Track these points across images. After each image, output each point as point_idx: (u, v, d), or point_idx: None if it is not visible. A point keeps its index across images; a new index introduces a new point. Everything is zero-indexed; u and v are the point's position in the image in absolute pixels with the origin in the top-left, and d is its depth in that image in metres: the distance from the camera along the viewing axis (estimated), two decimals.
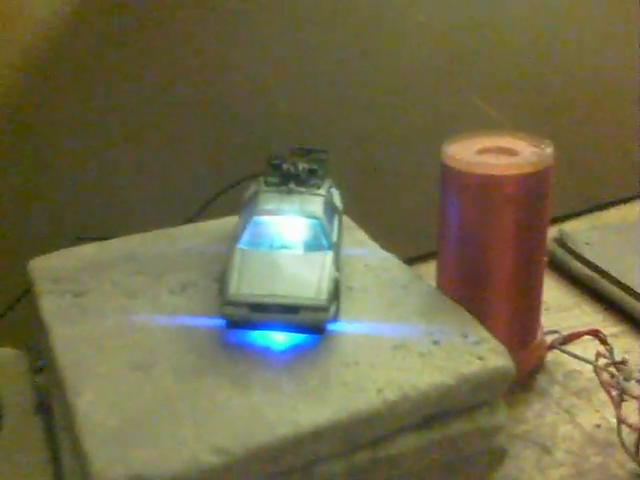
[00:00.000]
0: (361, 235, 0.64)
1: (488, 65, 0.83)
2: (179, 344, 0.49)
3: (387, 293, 0.56)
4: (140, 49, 0.73)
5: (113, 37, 0.72)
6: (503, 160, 0.58)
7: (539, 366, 0.65)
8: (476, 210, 0.59)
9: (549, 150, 0.59)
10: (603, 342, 0.65)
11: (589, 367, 0.64)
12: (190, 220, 0.68)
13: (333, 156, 0.64)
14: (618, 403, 0.56)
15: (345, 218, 0.65)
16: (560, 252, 0.81)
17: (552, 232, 0.85)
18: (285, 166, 0.59)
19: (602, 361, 0.61)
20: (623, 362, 0.62)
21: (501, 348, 0.50)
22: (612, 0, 0.95)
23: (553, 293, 0.77)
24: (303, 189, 0.58)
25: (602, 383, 0.57)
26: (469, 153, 0.59)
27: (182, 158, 0.77)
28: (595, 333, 0.65)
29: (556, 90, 0.92)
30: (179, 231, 0.64)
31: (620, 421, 0.55)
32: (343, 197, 0.64)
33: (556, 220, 0.91)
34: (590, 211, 0.94)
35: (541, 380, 0.64)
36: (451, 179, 0.59)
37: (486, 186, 0.57)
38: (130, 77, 0.73)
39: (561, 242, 0.82)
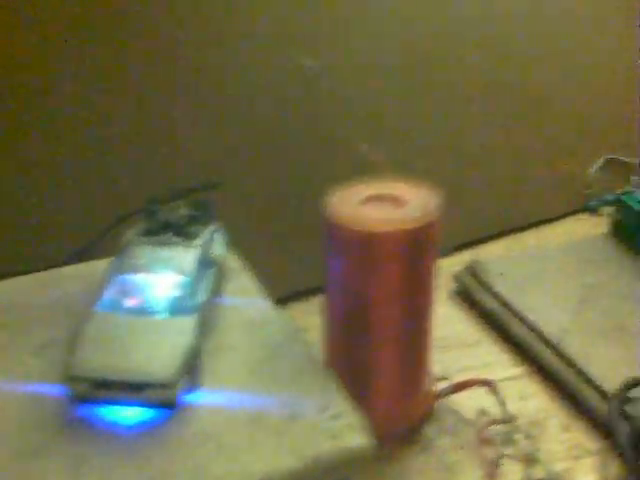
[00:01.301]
0: (247, 281, 0.62)
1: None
2: (23, 417, 0.48)
3: (256, 353, 0.54)
4: None
5: None
6: (386, 214, 0.56)
7: (428, 415, 0.64)
8: (358, 266, 0.57)
9: (435, 202, 0.57)
10: (494, 392, 0.64)
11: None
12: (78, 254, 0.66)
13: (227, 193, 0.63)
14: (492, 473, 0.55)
15: (233, 260, 0.63)
16: (470, 283, 0.79)
17: (467, 258, 0.84)
18: (161, 214, 0.57)
19: (485, 419, 0.60)
20: (506, 420, 0.61)
21: (360, 423, 0.49)
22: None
23: (457, 328, 0.76)
24: (178, 240, 0.56)
25: (480, 450, 0.56)
26: (352, 205, 0.57)
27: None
28: (486, 384, 0.64)
29: (478, 101, 0.89)
30: (57, 274, 0.62)
31: None
32: (230, 239, 0.62)
33: (472, 243, 0.89)
34: (510, 232, 0.93)
35: (429, 431, 0.63)
36: (333, 232, 0.57)
37: (367, 242, 0.55)
38: None
39: (472, 272, 0.80)
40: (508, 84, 0.89)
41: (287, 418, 0.49)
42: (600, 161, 0.98)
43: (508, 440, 0.61)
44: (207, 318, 0.54)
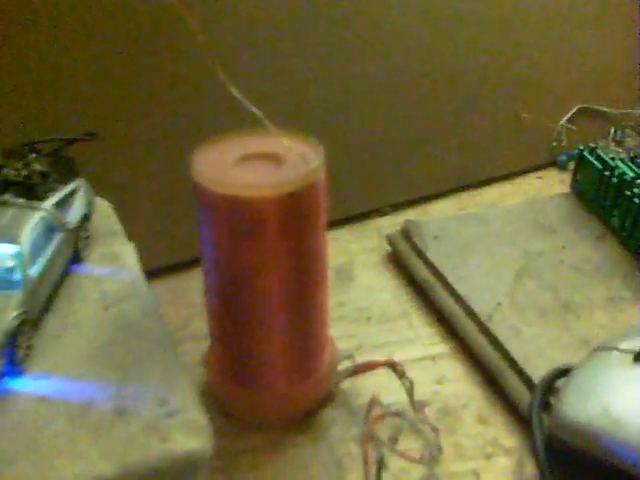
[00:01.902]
0: (119, 248, 0.55)
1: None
2: None
3: (103, 335, 0.47)
4: None
5: None
6: (260, 175, 0.48)
7: (324, 399, 0.57)
8: (227, 234, 0.48)
9: (318, 160, 0.48)
10: (400, 376, 0.57)
11: (388, 398, 0.57)
12: None
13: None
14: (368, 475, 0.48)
15: (106, 223, 0.56)
16: (402, 247, 0.71)
17: (412, 217, 0.76)
18: (5, 170, 0.50)
19: (376, 410, 0.53)
20: (399, 414, 0.54)
21: (199, 423, 0.42)
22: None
23: (382, 297, 0.68)
24: (21, 201, 0.48)
25: (363, 447, 0.49)
26: (221, 164, 0.49)
27: None
28: (392, 365, 0.57)
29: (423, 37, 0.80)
30: None
31: None
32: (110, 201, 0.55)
33: (421, 200, 0.81)
34: (466, 188, 0.84)
35: (325, 417, 0.56)
36: (199, 195, 0.48)
37: (235, 209, 0.47)
38: None
39: (406, 235, 0.72)
40: (471, 28, 0.79)
41: (115, 413, 0.42)
42: (572, 111, 0.88)
43: (409, 432, 0.54)
44: (42, 292, 0.47)
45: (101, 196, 0.58)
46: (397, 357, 0.61)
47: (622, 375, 0.50)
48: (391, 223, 0.77)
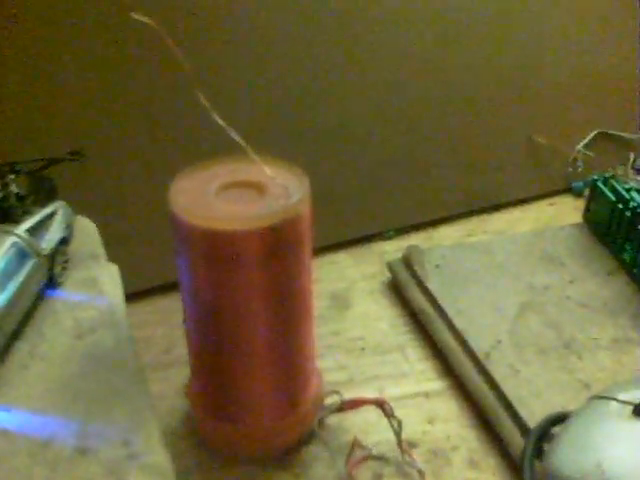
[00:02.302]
0: (99, 270, 0.53)
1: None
2: None
3: (72, 367, 0.45)
4: None
5: None
6: (240, 206, 0.46)
7: (308, 435, 0.54)
8: (205, 267, 0.46)
9: (302, 192, 0.46)
10: (388, 415, 0.54)
11: (375, 437, 0.54)
12: None
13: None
14: None
15: (90, 242, 0.54)
16: (403, 275, 0.69)
17: (417, 242, 0.73)
18: None
19: (359, 453, 0.51)
20: (381, 457, 0.51)
21: (162, 467, 0.40)
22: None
23: (380, 327, 0.65)
24: None
25: None
26: (199, 193, 0.46)
27: None
28: (379, 404, 0.54)
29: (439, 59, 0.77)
30: None
31: None
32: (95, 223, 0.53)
33: (426, 225, 0.78)
34: (475, 214, 0.81)
35: (307, 454, 0.54)
36: (175, 225, 0.46)
37: (212, 242, 0.45)
38: None
39: (407, 262, 0.69)
40: (484, 48, 0.77)
41: (76, 452, 0.40)
42: (589, 136, 0.85)
43: (394, 475, 0.51)
44: (10, 320, 0.45)
45: (86, 216, 0.56)
46: (389, 392, 0.58)
47: (618, 429, 0.47)
48: (394, 248, 0.75)
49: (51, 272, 0.50)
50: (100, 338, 0.47)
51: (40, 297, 0.49)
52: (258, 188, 0.47)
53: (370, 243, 0.76)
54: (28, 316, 0.48)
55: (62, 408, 0.42)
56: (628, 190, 0.70)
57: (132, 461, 0.40)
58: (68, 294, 0.50)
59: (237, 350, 0.49)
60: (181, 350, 0.58)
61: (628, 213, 0.68)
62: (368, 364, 0.62)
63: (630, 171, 0.85)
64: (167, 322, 0.63)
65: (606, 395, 0.51)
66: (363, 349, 0.63)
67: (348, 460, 0.50)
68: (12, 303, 0.45)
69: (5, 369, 0.45)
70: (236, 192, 0.47)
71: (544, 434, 0.52)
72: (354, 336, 0.64)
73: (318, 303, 0.67)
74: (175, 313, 0.58)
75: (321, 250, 0.73)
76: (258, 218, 0.44)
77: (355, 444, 0.51)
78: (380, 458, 0.51)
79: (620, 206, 0.68)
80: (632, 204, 0.68)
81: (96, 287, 0.51)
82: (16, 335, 0.46)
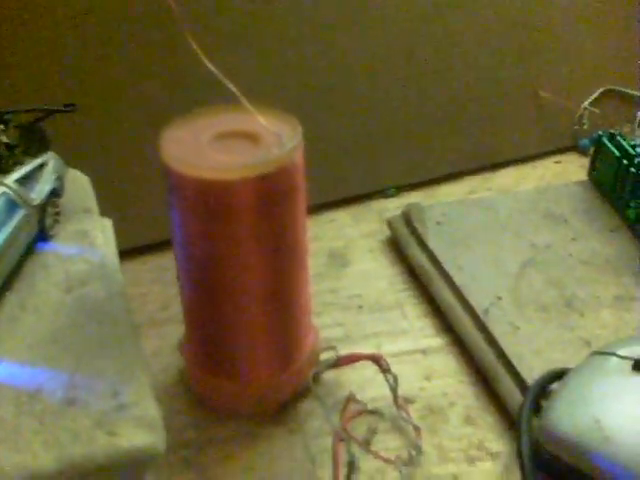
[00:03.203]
0: (91, 224, 0.52)
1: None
2: None
3: (62, 319, 0.44)
4: None
5: None
6: (232, 155, 0.45)
7: (303, 391, 0.54)
8: (197, 218, 0.46)
9: (295, 141, 0.45)
10: (384, 370, 0.54)
11: (371, 392, 0.54)
12: None
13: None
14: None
15: (83, 196, 0.53)
16: (402, 232, 0.68)
17: (419, 200, 0.72)
18: None
19: (353, 408, 0.50)
20: (376, 412, 0.51)
21: (151, 418, 0.39)
22: None
23: (377, 285, 0.64)
24: None
25: (334, 447, 0.46)
26: (191, 144, 0.46)
27: None
28: (375, 359, 0.54)
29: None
30: None
31: None
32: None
33: (429, 182, 0.77)
34: (480, 171, 0.79)
35: (302, 409, 0.53)
36: (167, 176, 0.46)
37: (203, 192, 0.44)
38: None
39: (407, 219, 0.68)
40: (489, 3, 0.74)
41: (64, 403, 0.39)
42: (596, 93, 0.83)
43: (389, 431, 0.51)
44: (0, 271, 0.44)
45: (80, 170, 0.55)
46: (386, 349, 0.58)
47: (617, 384, 0.47)
48: (395, 206, 0.73)
49: (42, 224, 0.49)
50: (91, 291, 0.47)
51: (30, 249, 0.48)
52: (251, 137, 0.46)
53: (370, 201, 0.74)
54: (18, 268, 0.47)
55: (51, 360, 0.42)
56: (634, 147, 0.68)
57: (121, 412, 0.39)
58: (59, 247, 0.50)
59: (230, 303, 0.48)
60: (176, 308, 0.57)
61: (633, 169, 0.66)
62: (365, 321, 0.61)
63: (637, 128, 0.83)
64: (162, 280, 0.63)
65: (606, 351, 0.50)
66: (361, 307, 0.62)
67: (343, 415, 0.50)
68: (1, 254, 0.44)
69: None
70: (229, 141, 0.46)
71: (542, 390, 0.51)
72: (352, 294, 0.64)
73: (315, 261, 0.66)
74: (170, 271, 0.57)
75: (320, 208, 0.72)
76: (250, 167, 0.43)
77: (350, 399, 0.51)
78: (375, 413, 0.51)
79: (625, 162, 0.67)
80: (637, 160, 0.66)
81: (88, 240, 0.50)
82: (6, 287, 0.46)
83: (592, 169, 0.73)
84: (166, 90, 0.63)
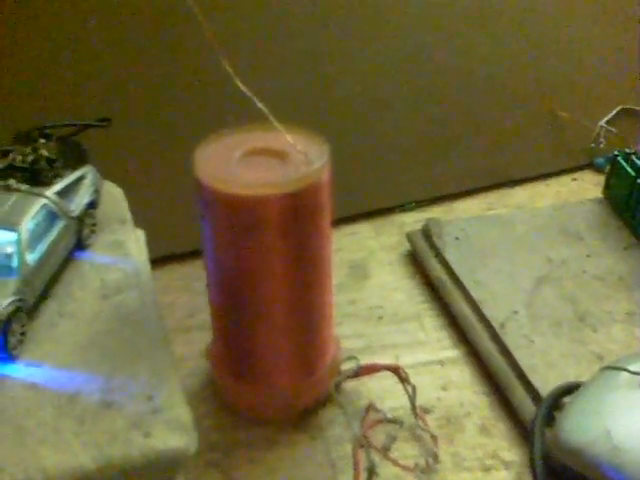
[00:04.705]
0: (126, 234, 0.55)
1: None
2: None
3: (98, 325, 0.47)
4: None
5: None
6: (262, 172, 0.47)
7: (324, 399, 0.56)
8: (228, 232, 0.48)
9: (322, 159, 0.47)
10: (403, 380, 0.56)
11: (390, 402, 0.56)
12: None
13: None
14: None
15: (118, 208, 0.56)
16: (421, 246, 0.70)
17: (437, 214, 0.74)
18: (12, 154, 0.50)
19: (373, 416, 0.52)
20: (395, 421, 0.53)
21: (183, 421, 0.41)
22: None
23: (396, 297, 0.67)
24: (24, 187, 0.48)
25: (354, 453, 0.48)
26: (223, 160, 0.48)
27: None
28: (394, 369, 0.56)
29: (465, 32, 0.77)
30: None
31: None
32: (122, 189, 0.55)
33: (447, 198, 0.79)
34: (496, 187, 0.81)
35: (323, 417, 0.56)
36: (200, 191, 0.48)
37: (234, 207, 0.47)
38: None
39: (426, 234, 0.70)
40: (507, 20, 0.77)
41: (102, 406, 0.42)
42: (613, 112, 0.85)
43: (407, 439, 0.53)
44: (40, 279, 0.47)
45: (114, 182, 0.58)
46: (405, 360, 0.60)
47: (628, 398, 0.48)
48: (414, 220, 0.76)
49: (79, 234, 0.51)
50: (126, 299, 0.49)
51: (69, 259, 0.51)
52: (280, 155, 0.48)
53: (391, 215, 0.77)
54: (57, 276, 0.49)
55: (88, 364, 0.44)
56: None
57: (155, 415, 0.41)
58: (95, 256, 0.52)
59: (257, 313, 0.50)
60: (204, 315, 0.59)
61: None
62: (385, 332, 0.63)
63: None
64: (190, 288, 0.65)
65: (617, 366, 0.52)
66: (380, 318, 0.64)
67: (363, 422, 0.52)
68: (42, 262, 0.47)
69: (34, 327, 0.46)
70: (258, 159, 0.48)
71: (555, 402, 0.53)
72: (372, 305, 0.66)
73: (337, 272, 0.68)
74: (198, 280, 0.60)
75: (341, 221, 0.74)
76: (279, 184, 0.46)
77: (370, 408, 0.53)
78: (394, 422, 0.53)
79: (636, 176, 0.69)
80: None
81: (123, 250, 0.53)
82: (45, 294, 0.48)
83: (607, 187, 0.75)
84: (198, 106, 0.66)
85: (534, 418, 0.52)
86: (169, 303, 0.64)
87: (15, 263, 0.45)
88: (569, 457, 0.47)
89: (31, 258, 0.46)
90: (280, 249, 0.48)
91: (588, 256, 0.68)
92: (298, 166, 0.47)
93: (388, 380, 0.57)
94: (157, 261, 0.62)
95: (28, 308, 0.45)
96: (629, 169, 0.71)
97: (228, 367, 0.55)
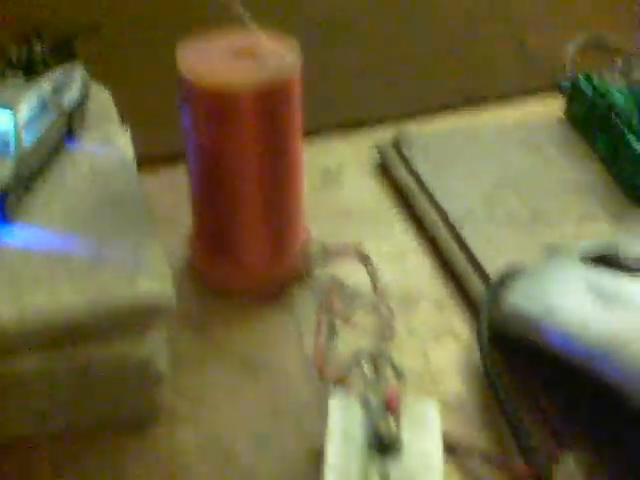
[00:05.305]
0: (113, 130, 0.60)
1: None
2: None
3: (88, 201, 0.53)
4: None
5: None
6: (238, 68, 0.53)
7: (295, 279, 0.61)
8: (206, 122, 0.54)
9: (293, 58, 0.53)
10: (365, 262, 0.61)
11: (352, 282, 0.61)
12: None
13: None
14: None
15: (104, 107, 0.61)
16: (391, 157, 0.75)
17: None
18: (10, 53, 0.55)
19: (337, 288, 0.58)
20: (355, 293, 0.58)
21: (165, 274, 0.47)
22: None
23: (364, 198, 0.72)
24: (21, 78, 0.54)
25: (317, 316, 0.54)
26: (203, 58, 0.54)
27: None
28: (359, 252, 0.61)
29: None
30: None
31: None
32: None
33: (414, 115, 0.83)
34: (464, 106, 0.86)
35: (294, 296, 0.61)
36: (182, 88, 0.54)
37: (213, 99, 0.53)
38: None
39: (396, 145, 0.75)
40: None
41: (91, 261, 0.48)
42: (580, 38, 0.89)
43: (366, 311, 0.58)
44: (34, 159, 0.52)
45: (100, 83, 0.63)
46: (369, 251, 0.65)
47: (567, 271, 0.54)
48: (387, 135, 0.80)
49: (70, 128, 0.57)
50: (112, 180, 0.55)
51: (60, 150, 0.56)
52: (256, 55, 0.54)
53: (363, 130, 0.81)
54: (49, 162, 0.55)
55: (79, 231, 0.50)
56: (607, 88, 0.75)
57: (140, 268, 0.47)
58: (85, 147, 0.57)
59: (232, 191, 0.56)
60: (188, 210, 0.64)
61: (604, 107, 0.73)
62: (352, 230, 0.68)
63: (616, 75, 0.89)
64: (174, 187, 0.69)
65: (559, 244, 0.57)
66: (348, 218, 0.69)
67: (328, 293, 0.57)
68: (36, 145, 0.52)
69: (29, 203, 0.52)
70: (236, 57, 0.54)
71: (503, 283, 0.58)
72: (341, 207, 0.71)
73: (309, 178, 0.73)
74: (182, 181, 0.64)
75: (314, 133, 0.78)
76: (254, 78, 0.51)
77: (333, 280, 0.58)
78: (356, 295, 0.58)
79: (598, 101, 0.74)
80: (609, 98, 0.73)
81: (110, 143, 0.58)
82: (38, 176, 0.53)
83: (568, 107, 0.80)
84: (181, 11, 0.71)
85: (483, 296, 0.58)
86: (152, 197, 0.68)
87: (12, 140, 0.50)
88: (510, 321, 0.53)
89: (27, 139, 0.51)
90: (253, 137, 0.54)
91: (547, 166, 0.73)
92: (272, 64, 0.53)
93: (353, 265, 0.62)
94: (143, 162, 0.66)
95: (24, 182, 0.51)
96: (589, 89, 0.75)
97: (206, 247, 0.61)
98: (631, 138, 0.68)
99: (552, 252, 0.57)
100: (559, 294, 0.52)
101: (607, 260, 0.52)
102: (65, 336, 0.45)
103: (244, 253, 0.59)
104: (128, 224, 0.50)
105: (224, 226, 0.58)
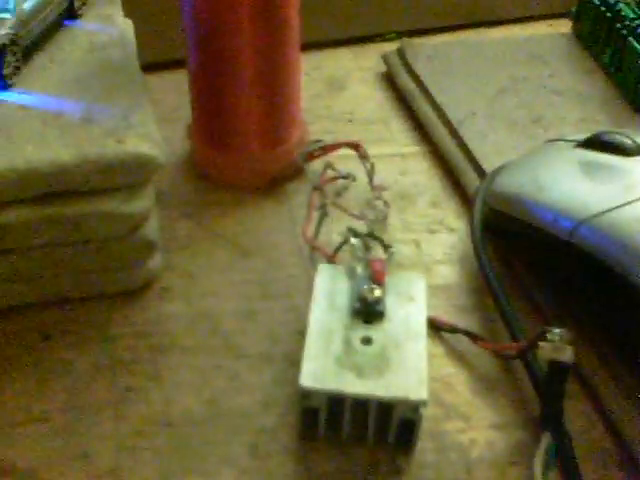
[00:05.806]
0: (114, 11, 0.60)
1: None
2: None
3: (84, 69, 0.53)
4: None
5: None
6: None
7: (291, 172, 0.62)
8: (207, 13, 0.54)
9: None
10: (362, 157, 0.61)
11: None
12: None
13: None
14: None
15: None
16: (395, 65, 0.74)
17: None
18: None
19: (330, 173, 0.58)
20: (347, 177, 0.58)
21: (153, 136, 0.48)
22: None
23: (368, 105, 0.71)
24: None
25: (309, 197, 0.54)
26: None
27: None
28: (356, 146, 0.61)
29: None
30: None
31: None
32: None
33: (427, 32, 0.83)
34: (474, 26, 0.85)
35: (290, 187, 0.61)
36: None
37: None
38: None
39: (401, 54, 0.75)
40: None
41: (82, 121, 0.48)
42: None
43: (361, 203, 0.58)
44: (33, 26, 0.52)
45: None
46: (369, 151, 0.65)
47: (557, 155, 0.54)
48: (394, 48, 0.80)
49: (72, 3, 0.57)
50: (110, 53, 0.55)
51: (60, 25, 0.56)
52: None
53: (371, 43, 0.81)
54: (49, 35, 0.55)
55: (73, 94, 0.50)
56: (616, 2, 0.74)
57: (129, 129, 0.47)
58: (86, 24, 0.57)
59: (229, 73, 0.56)
60: (188, 111, 0.64)
61: (609, 17, 0.72)
62: (352, 131, 0.68)
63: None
64: (179, 90, 0.69)
65: (555, 138, 0.57)
66: (350, 120, 0.69)
67: (320, 177, 0.57)
68: (35, 10, 0.52)
69: (27, 70, 0.52)
70: None
71: (498, 172, 0.58)
72: (344, 110, 0.71)
73: (314, 85, 0.74)
74: (184, 84, 0.64)
75: (321, 44, 0.78)
76: None
77: (328, 166, 0.58)
78: (349, 177, 0.58)
79: (606, 13, 0.72)
80: (616, 10, 0.72)
81: (111, 21, 0.58)
82: (37, 46, 0.54)
83: (576, 23, 0.79)
84: None
85: (476, 189, 0.57)
86: (157, 100, 0.69)
87: (12, 3, 0.50)
88: (501, 202, 0.53)
89: (27, 4, 0.51)
90: (251, 11, 0.53)
91: (550, 76, 0.72)
92: None
93: (351, 160, 0.62)
94: (148, 67, 0.66)
95: (22, 47, 0.51)
96: (596, 1, 0.74)
97: (204, 138, 0.60)
98: (636, 44, 0.67)
99: (542, 144, 0.57)
100: (550, 173, 0.51)
101: (603, 144, 0.52)
102: (55, 189, 0.45)
103: (241, 141, 0.58)
104: (122, 91, 0.51)
105: (219, 109, 0.57)
